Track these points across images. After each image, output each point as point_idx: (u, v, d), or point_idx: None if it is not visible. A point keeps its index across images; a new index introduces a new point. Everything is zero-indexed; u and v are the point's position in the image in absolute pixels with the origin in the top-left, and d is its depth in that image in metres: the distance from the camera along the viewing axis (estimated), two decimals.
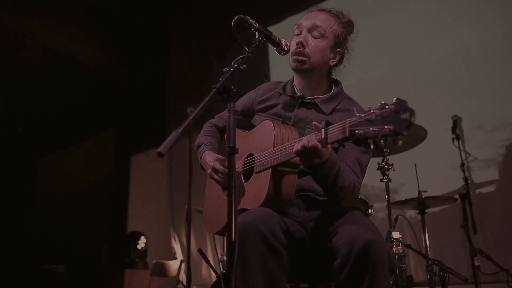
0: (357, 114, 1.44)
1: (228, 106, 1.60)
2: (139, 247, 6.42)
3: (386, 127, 1.35)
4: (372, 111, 1.40)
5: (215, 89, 1.57)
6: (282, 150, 1.78)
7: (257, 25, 1.85)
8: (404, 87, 4.47)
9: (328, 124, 1.58)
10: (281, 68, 5.20)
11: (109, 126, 8.41)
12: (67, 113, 8.77)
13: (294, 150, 1.69)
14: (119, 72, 7.91)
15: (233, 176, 1.51)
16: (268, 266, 1.66)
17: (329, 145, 1.67)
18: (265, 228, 1.66)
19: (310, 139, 1.64)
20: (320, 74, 2.08)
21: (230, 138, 1.55)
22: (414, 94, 4.32)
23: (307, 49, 2.01)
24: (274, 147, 1.84)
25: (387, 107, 1.37)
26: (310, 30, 2.03)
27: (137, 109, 7.82)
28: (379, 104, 1.39)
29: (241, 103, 2.26)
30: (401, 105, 1.35)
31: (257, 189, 1.87)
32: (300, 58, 2.01)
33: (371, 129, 1.38)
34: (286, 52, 1.96)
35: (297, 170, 1.87)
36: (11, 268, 7.73)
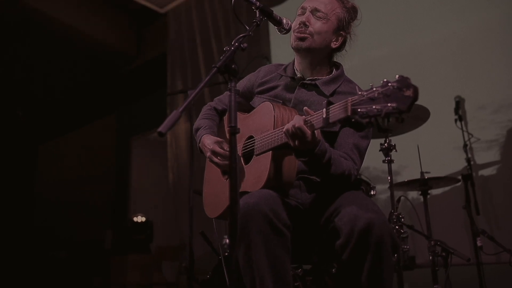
0: (359, 93, 1.41)
1: (229, 85, 1.57)
2: (137, 219, 6.44)
3: (389, 104, 1.32)
4: (374, 88, 1.37)
5: (215, 68, 1.54)
6: (282, 131, 1.76)
7: (257, 3, 1.82)
8: (407, 68, 4.42)
9: (330, 104, 1.54)
10: (282, 50, 5.15)
11: (109, 111, 8.39)
12: (67, 99, 8.75)
13: (285, 129, 1.67)
14: (119, 56, 7.86)
15: (235, 156, 1.49)
16: (273, 248, 1.64)
17: (319, 134, 1.67)
18: (269, 210, 1.65)
19: (298, 121, 1.63)
20: (320, 55, 2.07)
21: (231, 118, 1.53)
22: (417, 75, 4.23)
23: (309, 29, 2.00)
24: (274, 129, 1.81)
25: (389, 84, 1.34)
26: (313, 12, 2.01)
27: (136, 93, 7.79)
28: (382, 81, 1.36)
29: (241, 85, 2.24)
30: (404, 82, 1.32)
31: (257, 171, 1.85)
32: (302, 35, 1.99)
33: (373, 107, 1.35)
34: (288, 31, 1.94)
35: None
36: (14, 255, 7.78)
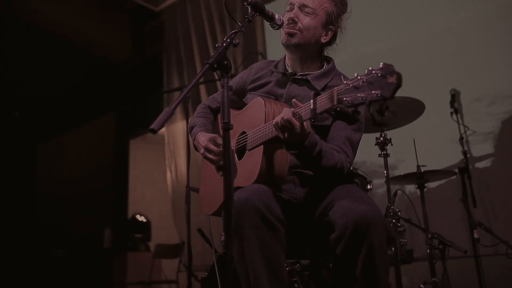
0: (345, 82, 1.43)
1: (222, 82, 1.58)
2: (140, 218, 6.52)
3: (373, 92, 1.33)
4: (359, 77, 1.39)
5: (207, 65, 1.55)
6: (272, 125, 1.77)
7: None
8: (402, 62, 4.37)
9: (317, 95, 1.56)
10: (277, 47, 5.14)
11: (107, 110, 8.38)
12: (65, 99, 8.73)
13: (274, 121, 1.69)
14: (116, 55, 7.85)
15: (229, 152, 1.50)
16: (266, 242, 1.66)
17: (308, 126, 1.68)
18: (261, 204, 1.66)
19: (287, 113, 1.64)
20: (310, 50, 2.08)
21: (224, 114, 1.53)
22: (412, 69, 4.28)
23: (298, 25, 2.01)
24: (265, 123, 1.83)
25: (373, 72, 1.35)
26: (301, 7, 2.02)
27: (134, 92, 7.79)
28: (366, 70, 1.38)
29: (234, 82, 2.26)
30: (387, 69, 1.34)
31: (250, 166, 1.87)
32: (291, 31, 2.00)
33: (358, 95, 1.37)
34: (280, 26, 1.95)
35: None
36: (14, 253, 7.78)
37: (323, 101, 1.51)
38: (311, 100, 1.56)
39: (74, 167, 8.65)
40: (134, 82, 7.81)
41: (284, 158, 1.84)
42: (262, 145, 1.82)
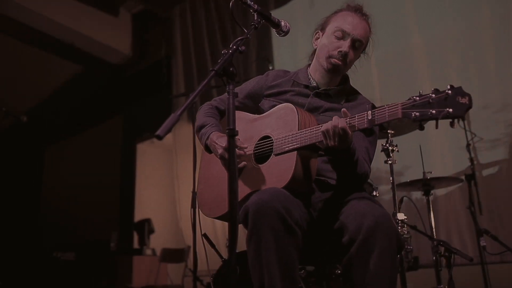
0: (412, 97, 1.53)
1: (227, 89, 1.59)
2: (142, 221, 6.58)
3: (446, 109, 1.45)
4: (428, 95, 1.50)
5: (213, 71, 1.57)
6: (309, 132, 1.81)
7: (255, 6, 1.84)
8: (408, 67, 4.43)
9: (374, 107, 1.67)
10: (284, 53, 5.16)
11: (114, 113, 8.43)
12: (73, 102, 8.80)
13: (323, 129, 1.73)
14: (122, 59, 7.90)
15: (234, 158, 1.51)
16: (284, 246, 1.65)
17: (352, 134, 1.74)
18: (282, 207, 1.66)
19: (341, 121, 1.69)
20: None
21: (230, 120, 1.54)
22: (418, 74, 4.29)
23: (347, 59, 2.05)
24: (298, 130, 1.85)
25: (445, 91, 1.47)
26: (354, 42, 2.05)
27: (142, 96, 7.83)
28: (433, 89, 1.50)
29: (249, 86, 2.26)
30: (458, 90, 1.45)
31: (277, 171, 1.87)
32: (339, 63, 2.04)
33: (428, 111, 1.48)
34: (286, 33, 1.95)
35: (317, 154, 1.90)
36: (21, 256, 7.82)
37: (383, 114, 1.61)
38: (368, 112, 1.66)
39: (81, 171, 8.69)
40: (139, 85, 7.85)
41: (313, 165, 1.88)
42: (295, 151, 1.83)
